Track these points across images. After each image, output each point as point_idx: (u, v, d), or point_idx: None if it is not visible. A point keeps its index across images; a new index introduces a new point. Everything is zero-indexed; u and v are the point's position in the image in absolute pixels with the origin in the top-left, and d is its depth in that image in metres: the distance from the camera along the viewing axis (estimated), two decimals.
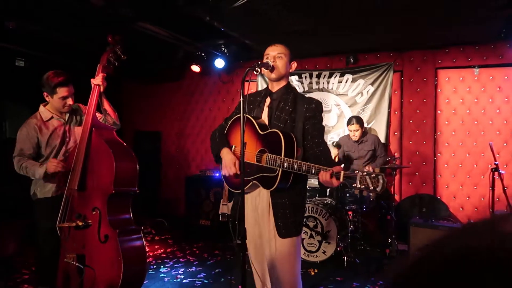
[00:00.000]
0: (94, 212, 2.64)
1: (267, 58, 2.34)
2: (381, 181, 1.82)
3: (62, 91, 2.83)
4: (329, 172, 1.95)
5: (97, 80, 2.80)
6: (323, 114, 2.37)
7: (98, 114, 2.92)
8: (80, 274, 2.62)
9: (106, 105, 2.93)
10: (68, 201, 2.72)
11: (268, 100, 2.39)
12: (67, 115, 2.98)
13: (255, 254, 2.36)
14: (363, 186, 1.85)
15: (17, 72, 5.68)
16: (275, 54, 2.33)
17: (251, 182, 2.27)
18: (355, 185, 1.87)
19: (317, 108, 2.32)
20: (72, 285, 2.67)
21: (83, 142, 2.70)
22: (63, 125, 2.94)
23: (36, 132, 2.82)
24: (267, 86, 2.44)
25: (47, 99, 2.90)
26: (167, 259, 4.63)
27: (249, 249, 2.32)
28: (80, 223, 2.61)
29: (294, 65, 2.42)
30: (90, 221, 2.64)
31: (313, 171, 2.02)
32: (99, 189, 2.66)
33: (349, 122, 4.98)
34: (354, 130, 4.89)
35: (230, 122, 2.46)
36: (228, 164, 2.30)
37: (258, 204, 2.32)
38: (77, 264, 2.62)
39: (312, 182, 5.73)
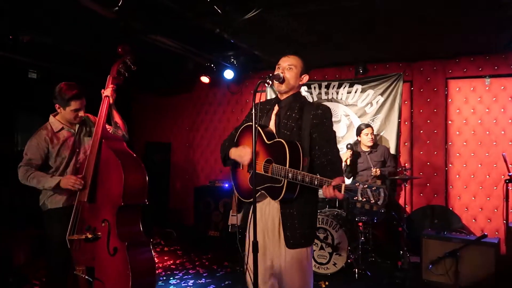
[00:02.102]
0: (103, 224, 2.64)
1: (278, 68, 2.34)
2: (382, 194, 1.81)
3: (75, 104, 2.83)
4: (331, 185, 1.93)
5: (107, 92, 2.84)
6: (332, 119, 2.34)
7: (108, 126, 2.93)
8: (89, 287, 2.61)
9: (117, 118, 2.95)
10: (78, 213, 2.71)
11: (276, 108, 2.38)
12: (77, 126, 2.98)
13: (262, 264, 2.27)
14: (365, 199, 1.84)
15: (29, 84, 5.77)
16: (285, 65, 2.32)
17: (259, 192, 2.24)
18: (356, 198, 1.86)
19: (324, 114, 2.28)
20: None
21: (93, 154, 2.72)
22: (73, 136, 2.94)
23: (47, 143, 2.80)
24: (277, 95, 2.43)
25: (58, 110, 2.90)
26: (176, 271, 4.61)
27: (262, 260, 2.26)
28: (90, 236, 2.61)
29: (306, 77, 2.38)
30: (99, 233, 2.63)
31: (316, 183, 2.01)
32: (108, 201, 2.65)
33: (361, 129, 4.96)
34: (370, 133, 4.90)
35: (239, 131, 2.45)
36: (243, 153, 2.27)
37: (267, 214, 2.29)
38: (86, 277, 2.61)
39: (321, 193, 5.70)
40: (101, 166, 2.71)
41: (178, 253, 5.37)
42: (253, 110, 2.04)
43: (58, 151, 2.85)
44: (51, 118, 2.93)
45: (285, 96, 2.36)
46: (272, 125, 2.35)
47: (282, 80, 2.28)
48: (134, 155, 2.84)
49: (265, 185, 2.21)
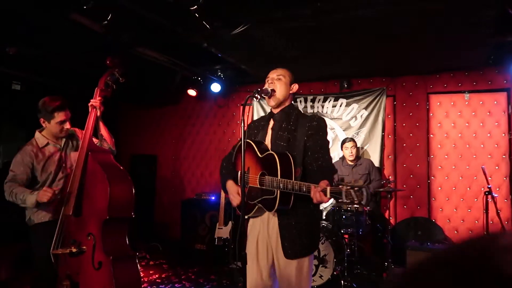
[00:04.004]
0: (89, 238, 2.59)
1: (267, 81, 2.40)
2: (364, 193, 1.89)
3: (59, 116, 2.81)
4: (318, 189, 1.98)
5: (94, 102, 2.82)
6: (327, 129, 2.40)
7: (94, 139, 2.90)
8: None
9: (103, 130, 2.93)
10: (62, 226, 2.68)
11: (271, 122, 2.43)
12: (63, 140, 2.95)
13: (263, 274, 2.32)
14: (349, 201, 1.90)
15: (13, 96, 5.70)
16: (274, 76, 2.39)
17: (257, 206, 2.27)
18: (341, 200, 1.92)
19: (319, 124, 2.35)
20: None
21: (79, 167, 2.70)
22: (59, 151, 2.92)
23: (32, 159, 2.79)
24: (271, 110, 2.48)
25: (43, 125, 2.87)
26: (162, 285, 4.56)
27: (255, 273, 2.30)
28: (74, 250, 2.56)
29: (296, 86, 2.45)
30: (84, 247, 2.59)
31: (304, 189, 2.04)
32: (94, 215, 2.62)
33: (343, 142, 5.07)
34: (350, 147, 4.98)
35: (235, 150, 2.47)
36: (233, 194, 2.37)
37: (270, 226, 2.32)
38: None
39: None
40: (87, 179, 2.69)
41: (164, 267, 5.32)
42: (242, 124, 2.08)
43: (43, 166, 2.82)
44: (37, 133, 2.91)
45: (278, 109, 2.42)
46: (268, 139, 2.40)
47: (270, 95, 2.34)
48: (121, 167, 2.81)
49: (260, 198, 2.24)
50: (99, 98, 2.83)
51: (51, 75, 5.71)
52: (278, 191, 2.12)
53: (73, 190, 2.67)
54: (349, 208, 4.47)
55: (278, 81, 2.38)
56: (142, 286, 4.29)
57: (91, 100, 2.84)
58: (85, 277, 2.59)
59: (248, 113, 6.09)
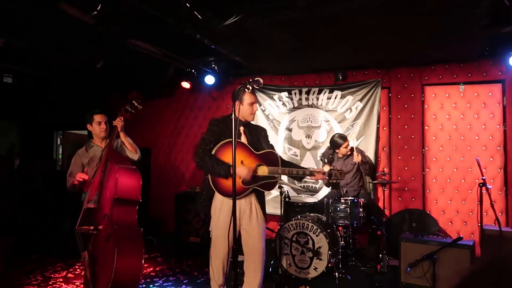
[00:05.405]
0: (104, 218, 3.22)
1: (254, 107, 3.01)
2: (342, 173, 2.96)
3: (97, 118, 3.71)
4: (321, 173, 2.94)
5: (115, 122, 3.58)
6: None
7: (128, 143, 3.73)
8: (92, 269, 3.22)
9: (125, 141, 3.71)
10: (86, 210, 3.32)
11: (242, 128, 3.07)
12: (105, 143, 3.67)
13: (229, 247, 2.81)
14: (335, 178, 2.92)
15: (4, 89, 5.63)
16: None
17: (251, 189, 2.90)
18: (332, 178, 2.92)
19: (266, 131, 3.31)
20: (89, 275, 3.24)
21: (101, 165, 3.40)
22: (101, 151, 3.63)
23: (80, 158, 3.66)
24: (235, 115, 2.87)
25: (89, 129, 3.74)
26: (156, 278, 4.55)
27: (226, 246, 2.81)
28: (91, 227, 3.20)
29: None
30: (101, 226, 3.21)
31: (308, 173, 2.94)
32: (109, 200, 3.26)
33: (337, 145, 5.02)
34: (345, 147, 4.99)
35: (219, 145, 2.93)
36: (245, 171, 2.86)
37: (249, 201, 2.99)
38: (87, 260, 3.21)
39: (302, 198, 5.73)
40: (106, 176, 3.38)
41: (158, 260, 5.30)
42: (233, 115, 2.05)
43: (88, 162, 3.63)
44: (89, 141, 3.78)
45: (244, 120, 3.06)
46: (244, 141, 3.03)
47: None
48: (134, 167, 3.49)
49: (261, 182, 2.91)
50: (120, 118, 3.59)
51: (43, 68, 5.64)
52: (279, 176, 2.82)
53: (95, 182, 3.35)
54: (343, 200, 4.51)
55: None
56: None
57: (114, 121, 3.59)
58: (100, 251, 3.22)
59: None
